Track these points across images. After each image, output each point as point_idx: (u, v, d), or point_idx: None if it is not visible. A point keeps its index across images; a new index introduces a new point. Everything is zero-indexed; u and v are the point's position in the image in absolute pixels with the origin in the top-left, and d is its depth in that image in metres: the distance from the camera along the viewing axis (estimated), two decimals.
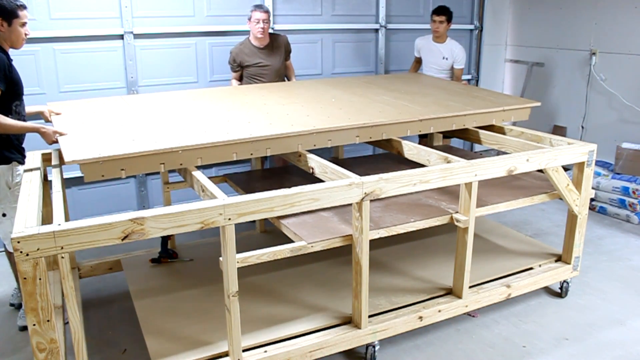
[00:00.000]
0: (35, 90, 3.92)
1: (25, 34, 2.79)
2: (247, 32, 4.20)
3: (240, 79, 4.27)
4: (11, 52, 2.78)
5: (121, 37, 4.14)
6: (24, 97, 2.88)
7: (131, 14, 4.14)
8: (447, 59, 4.64)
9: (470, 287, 2.89)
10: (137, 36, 4.19)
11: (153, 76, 4.32)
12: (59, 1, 3.90)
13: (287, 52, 4.30)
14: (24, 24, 2.76)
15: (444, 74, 4.70)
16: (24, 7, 2.74)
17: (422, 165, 2.74)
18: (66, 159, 2.20)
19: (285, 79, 4.42)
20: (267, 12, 4.04)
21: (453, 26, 5.77)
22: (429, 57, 4.76)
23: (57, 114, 2.92)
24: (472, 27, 5.87)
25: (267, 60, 4.15)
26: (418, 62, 4.93)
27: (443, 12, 4.59)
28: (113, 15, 4.10)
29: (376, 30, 5.27)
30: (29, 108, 2.92)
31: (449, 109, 3.24)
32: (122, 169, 2.28)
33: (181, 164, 2.43)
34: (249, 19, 4.04)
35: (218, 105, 3.19)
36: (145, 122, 2.76)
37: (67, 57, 4.01)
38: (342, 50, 5.15)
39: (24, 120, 2.82)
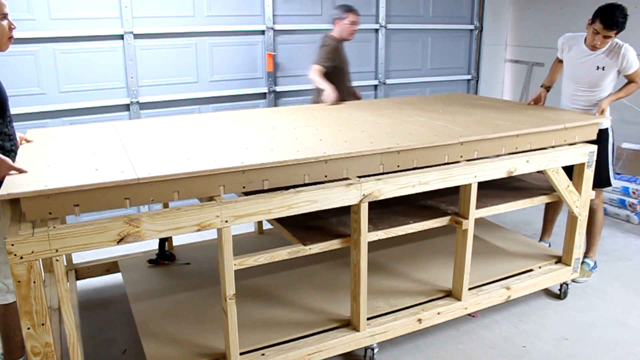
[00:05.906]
0: (35, 91, 3.93)
1: (11, 28, 2.15)
2: (249, 32, 4.14)
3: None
4: (6, 53, 2.32)
5: (121, 37, 4.14)
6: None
7: (131, 14, 4.13)
8: (603, 68, 3.25)
9: (469, 289, 2.88)
10: (137, 36, 4.18)
11: (153, 76, 4.32)
12: (59, 1, 3.90)
13: None
14: (4, 16, 2.11)
15: (592, 94, 3.32)
16: None
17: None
18: (0, 192, 1.80)
19: None
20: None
21: (453, 26, 5.73)
22: (573, 67, 3.39)
23: (29, 141, 2.50)
24: (472, 27, 5.85)
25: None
26: (561, 62, 3.58)
27: (615, 25, 3.05)
28: (113, 15, 4.10)
29: (376, 30, 5.26)
30: None
31: (497, 128, 2.76)
32: (76, 205, 1.89)
33: (152, 200, 2.00)
34: (339, 19, 3.83)
35: (216, 130, 2.78)
36: (121, 150, 2.34)
37: (67, 57, 4.01)
38: None
39: (13, 141, 2.30)
